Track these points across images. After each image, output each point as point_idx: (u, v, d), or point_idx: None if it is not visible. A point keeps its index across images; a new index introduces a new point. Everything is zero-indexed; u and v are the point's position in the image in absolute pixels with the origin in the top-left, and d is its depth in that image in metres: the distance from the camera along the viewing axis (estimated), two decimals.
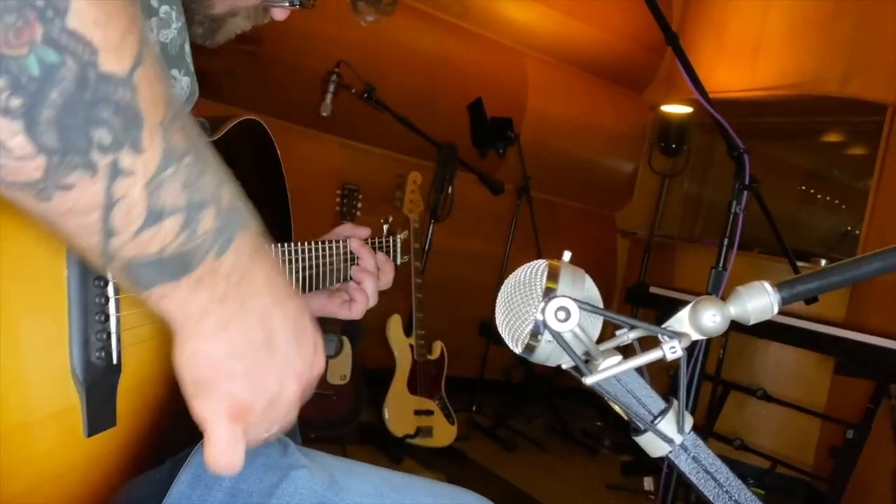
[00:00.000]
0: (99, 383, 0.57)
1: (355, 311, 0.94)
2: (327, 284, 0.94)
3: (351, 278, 0.97)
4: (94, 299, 0.56)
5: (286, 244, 0.86)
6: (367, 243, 1.01)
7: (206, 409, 0.50)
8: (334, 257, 0.94)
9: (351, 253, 0.97)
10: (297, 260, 0.87)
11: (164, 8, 0.72)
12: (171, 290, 0.46)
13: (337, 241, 0.95)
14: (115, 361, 0.58)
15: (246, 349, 0.50)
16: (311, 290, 0.90)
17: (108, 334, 0.58)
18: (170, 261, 0.44)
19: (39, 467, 0.52)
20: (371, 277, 0.95)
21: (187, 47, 0.76)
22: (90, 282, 0.56)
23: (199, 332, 0.48)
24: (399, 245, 1.16)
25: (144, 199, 0.41)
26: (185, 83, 0.77)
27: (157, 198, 0.42)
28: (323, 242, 0.93)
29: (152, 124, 0.40)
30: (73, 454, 0.55)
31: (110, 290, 0.58)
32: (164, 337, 0.66)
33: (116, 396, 0.59)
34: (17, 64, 0.34)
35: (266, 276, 0.51)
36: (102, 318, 0.57)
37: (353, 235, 0.98)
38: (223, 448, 0.50)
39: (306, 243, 0.89)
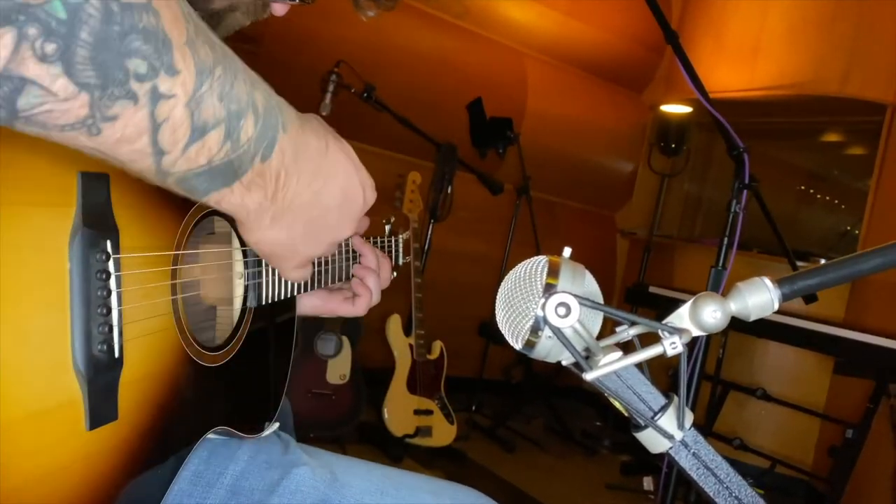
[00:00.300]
0: (100, 376, 0.56)
1: (359, 307, 0.95)
2: (329, 283, 0.93)
3: (353, 276, 0.96)
4: (96, 292, 0.56)
5: None
6: (369, 241, 1.01)
7: (284, 270, 0.65)
8: (335, 256, 0.93)
9: (353, 251, 0.96)
10: None
11: None
12: (227, 194, 0.51)
13: None
14: (116, 355, 0.58)
15: (304, 228, 0.59)
16: (313, 288, 0.90)
17: (111, 327, 0.58)
18: (219, 169, 0.48)
19: (40, 460, 0.52)
20: (373, 274, 0.96)
21: None
22: (92, 275, 0.56)
23: (259, 224, 0.56)
24: (401, 245, 1.17)
25: (187, 118, 0.43)
26: None
27: (198, 114, 0.44)
28: None
29: (180, 44, 0.42)
30: (75, 447, 0.55)
31: (112, 283, 0.58)
32: (165, 331, 0.66)
33: (118, 390, 0.59)
34: (44, 10, 0.35)
35: (311, 167, 0.57)
36: (104, 311, 0.57)
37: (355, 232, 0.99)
38: (295, 279, 0.67)
39: None
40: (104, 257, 0.57)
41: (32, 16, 0.34)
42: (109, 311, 0.58)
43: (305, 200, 0.57)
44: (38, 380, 0.52)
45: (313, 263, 0.68)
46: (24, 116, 0.37)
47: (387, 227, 1.16)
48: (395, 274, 1.12)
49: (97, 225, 0.56)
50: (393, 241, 1.15)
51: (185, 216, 0.68)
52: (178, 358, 0.67)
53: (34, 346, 0.52)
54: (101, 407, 0.57)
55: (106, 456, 0.58)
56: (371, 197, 0.67)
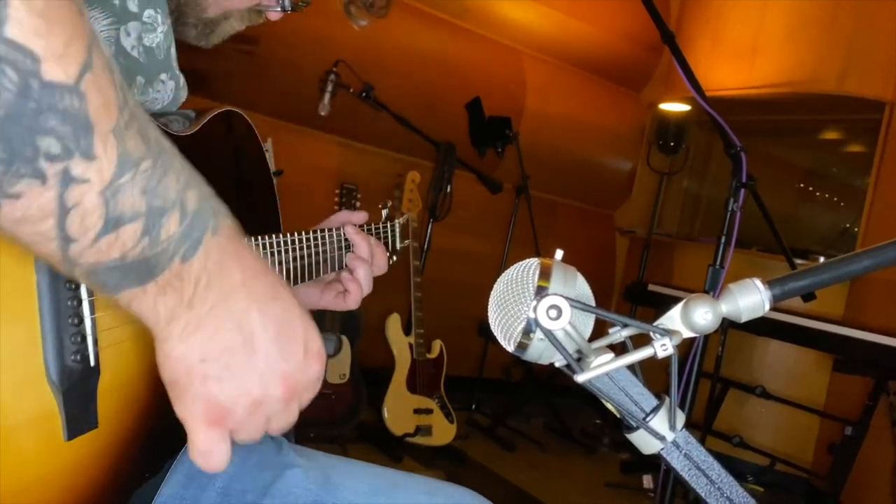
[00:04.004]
0: (77, 386, 0.56)
1: (350, 302, 0.92)
2: (321, 273, 0.91)
3: (346, 266, 0.94)
4: (66, 302, 0.56)
5: (275, 235, 0.84)
6: (364, 229, 0.98)
7: (184, 411, 0.50)
8: (328, 245, 0.91)
9: (346, 240, 0.94)
10: (288, 251, 0.85)
11: (149, 12, 0.71)
12: (139, 294, 0.46)
13: (331, 230, 0.92)
14: (92, 363, 0.58)
15: (220, 352, 0.49)
16: (305, 279, 0.89)
17: (83, 337, 0.57)
18: (133, 266, 0.44)
19: (19, 473, 0.52)
20: (364, 265, 0.92)
21: (173, 51, 0.75)
22: (61, 285, 0.55)
23: (168, 334, 0.48)
24: (398, 231, 1.13)
25: (101, 207, 0.41)
26: (170, 87, 0.76)
27: (114, 205, 0.41)
28: (316, 231, 0.91)
29: (103, 131, 0.39)
30: (54, 458, 0.55)
31: (83, 292, 0.57)
32: (144, 336, 0.65)
33: (97, 398, 0.58)
34: None
35: (242, 276, 0.50)
36: (76, 321, 0.56)
37: (348, 221, 0.95)
38: (201, 451, 0.50)
39: (298, 233, 0.88)
40: None
41: None
42: (81, 320, 0.57)
43: (227, 318, 0.49)
44: (10, 393, 0.52)
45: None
46: None
47: (383, 212, 1.13)
48: (394, 259, 1.11)
49: None
50: (389, 226, 1.11)
51: None
52: None
53: (4, 360, 0.51)
54: (78, 417, 0.56)
55: (88, 464, 0.58)
56: (316, 369, 0.54)
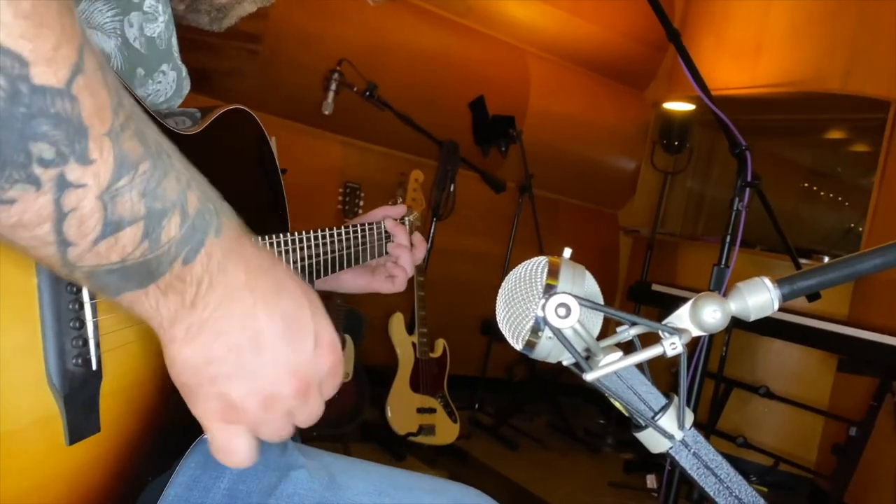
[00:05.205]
0: (78, 390, 0.56)
1: (398, 284, 1.04)
2: (367, 260, 1.04)
3: (387, 254, 1.07)
4: (66, 306, 0.55)
5: (321, 229, 0.94)
6: (401, 222, 1.10)
7: (198, 410, 0.50)
8: (369, 236, 1.03)
9: (386, 231, 1.07)
10: (333, 242, 0.95)
11: (150, 2, 0.71)
12: (141, 296, 0.45)
13: (370, 224, 1.04)
14: (94, 367, 0.57)
15: (226, 352, 0.49)
16: (351, 265, 0.99)
17: (85, 340, 0.56)
18: (134, 268, 0.44)
19: (21, 478, 0.52)
20: (406, 251, 1.05)
21: (175, 41, 0.75)
22: (62, 288, 0.55)
23: (172, 337, 0.48)
24: (408, 227, 1.16)
25: (99, 211, 0.40)
26: (171, 78, 0.75)
27: (112, 208, 0.41)
28: (356, 226, 1.02)
29: (98, 134, 0.39)
30: (56, 463, 0.54)
31: (84, 295, 0.57)
32: (148, 339, 0.65)
33: (99, 402, 0.58)
34: None
35: (246, 276, 0.49)
36: (77, 325, 0.56)
37: (387, 215, 1.08)
38: (220, 448, 0.51)
39: (336, 228, 0.98)
40: None
41: None
42: (83, 323, 0.56)
43: (231, 319, 0.48)
44: (10, 398, 0.51)
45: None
46: None
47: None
48: None
49: None
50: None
51: None
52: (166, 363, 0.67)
53: (4, 364, 0.51)
54: (80, 421, 0.56)
55: (91, 469, 0.58)
56: (328, 360, 0.54)
